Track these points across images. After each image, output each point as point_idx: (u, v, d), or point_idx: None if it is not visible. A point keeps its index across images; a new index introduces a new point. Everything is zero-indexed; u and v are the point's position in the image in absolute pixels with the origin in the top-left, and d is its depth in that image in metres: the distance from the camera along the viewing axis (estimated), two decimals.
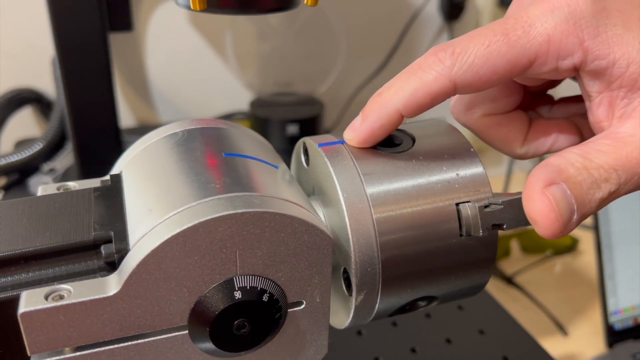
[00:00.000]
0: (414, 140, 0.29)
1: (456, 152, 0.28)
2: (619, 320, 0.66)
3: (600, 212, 0.65)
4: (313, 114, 0.74)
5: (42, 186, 0.29)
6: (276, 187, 0.26)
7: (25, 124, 0.80)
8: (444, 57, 0.26)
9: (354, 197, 0.26)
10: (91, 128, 0.56)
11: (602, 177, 0.25)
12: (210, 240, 0.23)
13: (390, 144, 0.29)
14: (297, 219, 0.24)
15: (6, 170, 0.63)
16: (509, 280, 0.75)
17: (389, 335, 0.48)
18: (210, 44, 0.83)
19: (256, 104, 0.78)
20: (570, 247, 0.83)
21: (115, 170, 0.30)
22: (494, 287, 0.74)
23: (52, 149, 0.65)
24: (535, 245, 0.82)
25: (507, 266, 0.78)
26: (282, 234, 0.24)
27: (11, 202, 0.27)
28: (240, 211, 0.23)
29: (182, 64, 0.84)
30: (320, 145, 0.28)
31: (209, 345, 0.24)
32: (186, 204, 0.23)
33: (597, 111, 0.27)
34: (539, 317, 0.69)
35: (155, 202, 0.24)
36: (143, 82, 0.83)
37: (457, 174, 0.28)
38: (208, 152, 0.27)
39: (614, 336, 0.65)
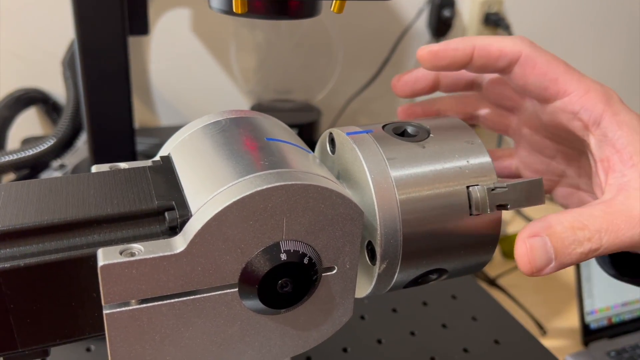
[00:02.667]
0: (429, 132, 0.33)
1: (466, 142, 0.33)
2: (594, 320, 0.70)
3: None
4: (311, 119, 0.78)
5: (95, 166, 0.32)
6: (313, 167, 0.30)
7: (28, 124, 0.83)
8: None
9: (380, 178, 0.30)
10: (108, 128, 0.58)
11: (585, 237, 0.30)
12: (264, 208, 0.26)
13: (408, 135, 0.33)
14: (335, 192, 0.28)
15: (18, 165, 0.66)
16: (492, 282, 0.79)
17: (389, 320, 0.51)
18: (212, 52, 0.87)
19: (256, 109, 0.81)
20: None
21: (162, 153, 0.33)
22: (475, 284, 0.78)
23: (63, 146, 0.67)
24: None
25: (490, 269, 0.82)
26: (323, 205, 0.28)
27: (74, 176, 0.30)
28: (290, 183, 0.26)
29: (185, 70, 0.87)
30: (348, 134, 0.32)
31: (255, 301, 0.28)
32: (241, 176, 0.27)
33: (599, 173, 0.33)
34: (519, 317, 0.72)
35: (211, 176, 0.28)
36: (145, 86, 0.87)
37: (467, 161, 0.32)
38: (252, 136, 0.31)
39: (590, 335, 0.69)
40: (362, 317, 0.52)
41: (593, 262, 0.69)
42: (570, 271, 0.83)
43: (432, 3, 0.94)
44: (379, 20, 0.94)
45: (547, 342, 0.70)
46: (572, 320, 0.73)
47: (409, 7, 0.94)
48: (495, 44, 0.34)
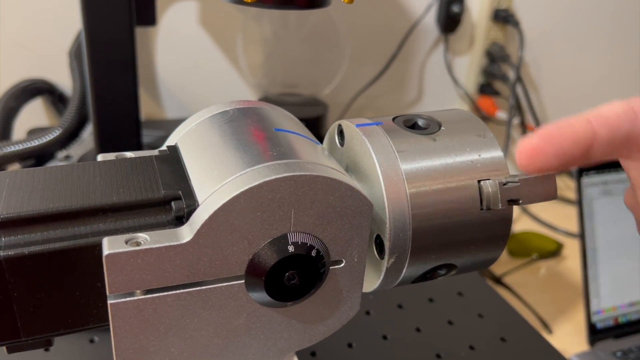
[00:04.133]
0: (440, 125, 0.32)
1: (477, 136, 0.32)
2: (600, 320, 0.69)
3: (587, 218, 0.69)
4: (318, 114, 0.78)
5: (101, 154, 0.32)
6: (322, 158, 0.29)
7: (35, 115, 0.82)
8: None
9: (390, 171, 0.30)
10: (114, 119, 0.58)
11: None
12: (272, 198, 0.26)
13: (419, 128, 0.33)
14: (344, 184, 0.27)
15: (24, 156, 0.65)
16: (497, 280, 0.79)
17: (395, 316, 0.51)
18: (220, 44, 0.86)
19: None
20: (555, 252, 0.87)
21: (169, 143, 0.33)
22: (481, 281, 0.77)
23: (69, 137, 0.67)
24: (521, 249, 0.86)
25: (496, 267, 0.81)
26: (331, 197, 0.27)
27: (79, 164, 0.30)
28: (298, 174, 0.26)
29: (191, 62, 0.86)
30: (358, 125, 0.32)
31: (262, 294, 0.27)
32: (249, 167, 0.26)
33: None
34: (525, 316, 0.72)
35: (218, 166, 0.28)
36: (151, 78, 0.86)
37: (479, 155, 0.31)
38: (260, 126, 0.31)
39: (596, 335, 0.69)
40: (368, 313, 0.51)
41: (600, 261, 0.69)
42: (574, 272, 0.82)
43: None
44: (387, 15, 0.93)
45: (553, 342, 0.69)
46: (578, 320, 0.72)
47: (417, 3, 0.93)
48: (606, 109, 0.28)
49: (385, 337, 0.49)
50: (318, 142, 0.33)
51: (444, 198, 0.30)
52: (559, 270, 0.85)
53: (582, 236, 0.68)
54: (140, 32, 0.81)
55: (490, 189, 0.30)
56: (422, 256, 0.31)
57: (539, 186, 0.30)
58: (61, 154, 0.69)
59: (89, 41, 0.55)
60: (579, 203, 0.69)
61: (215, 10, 0.84)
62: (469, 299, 0.56)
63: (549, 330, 0.71)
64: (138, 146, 0.61)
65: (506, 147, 0.99)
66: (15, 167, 0.70)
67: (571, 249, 0.87)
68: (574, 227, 0.88)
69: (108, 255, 0.24)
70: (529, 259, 0.85)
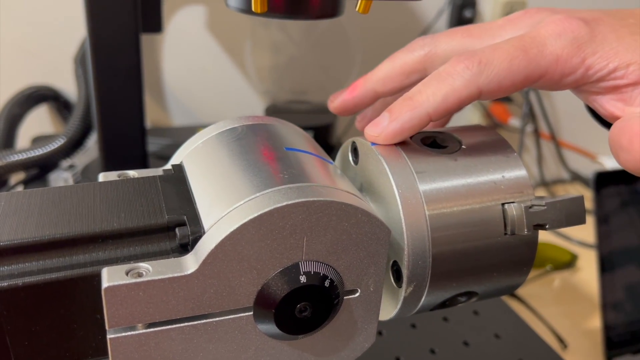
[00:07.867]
0: (460, 143, 0.31)
1: (500, 155, 0.30)
2: (617, 335, 0.68)
3: (603, 228, 0.67)
4: (327, 122, 0.76)
5: (103, 174, 0.30)
6: (336, 181, 0.27)
7: (39, 122, 0.81)
8: (472, 66, 0.29)
9: (408, 194, 0.28)
10: (118, 127, 0.57)
11: None
12: (283, 226, 0.24)
13: (437, 146, 0.31)
14: (360, 209, 0.25)
15: (27, 165, 0.64)
16: (511, 293, 0.77)
17: (408, 337, 0.49)
18: (227, 51, 0.85)
19: (271, 110, 0.79)
20: (569, 263, 0.85)
21: (174, 161, 0.31)
22: (498, 299, 0.75)
23: (73, 146, 0.66)
24: (535, 261, 0.84)
25: None
26: (347, 224, 0.25)
27: (79, 186, 0.28)
28: (311, 199, 0.24)
29: (198, 69, 0.85)
30: (373, 144, 0.30)
31: (271, 326, 0.25)
32: (259, 191, 0.25)
33: (610, 109, 0.30)
34: (539, 329, 0.70)
35: (226, 189, 0.26)
36: (158, 85, 0.85)
37: (502, 176, 0.29)
38: (270, 146, 0.29)
39: (613, 350, 0.67)
40: (380, 333, 0.49)
41: (618, 273, 0.67)
42: (590, 284, 0.80)
43: (453, 4, 0.91)
44: (398, 20, 0.92)
45: (568, 357, 0.67)
46: (593, 334, 0.70)
47: (429, 8, 0.92)
48: (451, 98, 0.29)
49: None
50: (330, 160, 0.31)
51: (466, 221, 0.28)
52: (573, 282, 0.82)
53: (599, 247, 0.66)
54: (145, 37, 0.79)
55: (515, 213, 0.28)
56: (442, 284, 0.29)
57: (566, 210, 0.28)
58: (65, 163, 0.67)
59: (94, 48, 0.54)
60: (596, 213, 0.67)
61: (222, 16, 0.82)
62: (485, 318, 0.54)
63: (564, 345, 0.69)
64: (143, 155, 0.60)
65: (519, 155, 0.97)
66: (19, 176, 0.69)
67: (586, 260, 0.85)
68: (588, 237, 0.86)
69: (107, 288, 0.23)
70: (542, 270, 0.83)
